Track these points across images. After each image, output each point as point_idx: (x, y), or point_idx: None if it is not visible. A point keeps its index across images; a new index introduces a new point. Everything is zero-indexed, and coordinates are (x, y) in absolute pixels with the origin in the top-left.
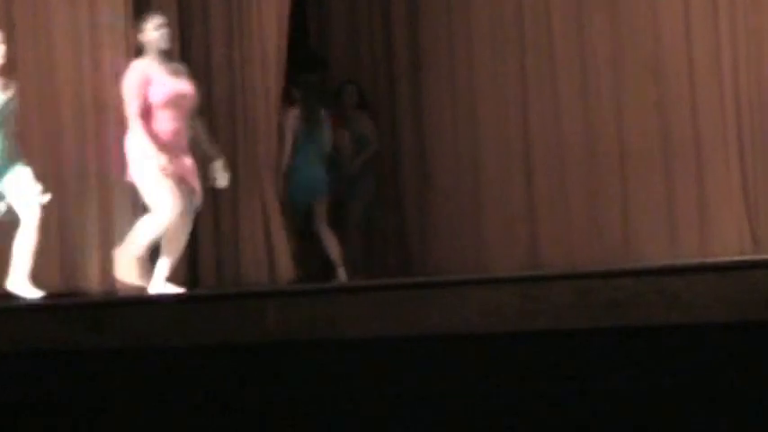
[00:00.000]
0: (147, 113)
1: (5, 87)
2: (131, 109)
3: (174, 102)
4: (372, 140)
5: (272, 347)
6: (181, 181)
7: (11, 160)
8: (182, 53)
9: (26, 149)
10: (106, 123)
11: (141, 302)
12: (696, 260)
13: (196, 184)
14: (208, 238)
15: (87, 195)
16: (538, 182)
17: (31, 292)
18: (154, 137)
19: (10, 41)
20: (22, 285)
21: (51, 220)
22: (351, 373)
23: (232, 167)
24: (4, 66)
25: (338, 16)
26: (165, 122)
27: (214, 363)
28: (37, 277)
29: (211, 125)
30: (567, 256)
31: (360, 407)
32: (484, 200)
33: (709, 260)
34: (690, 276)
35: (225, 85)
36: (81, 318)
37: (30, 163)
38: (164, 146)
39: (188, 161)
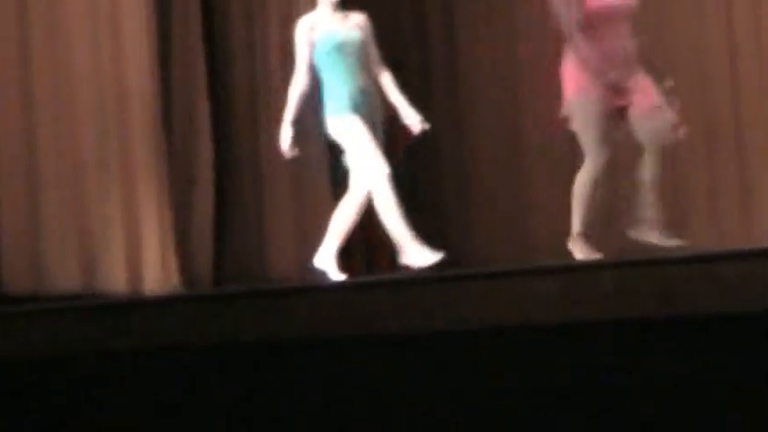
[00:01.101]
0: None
1: (345, 20)
2: (565, 25)
3: (614, 13)
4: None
5: (303, 345)
6: (633, 110)
7: (368, 99)
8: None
9: (42, 137)
10: (127, 110)
11: (167, 302)
12: (742, 245)
13: (657, 108)
14: (236, 230)
15: (110, 191)
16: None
17: (333, 272)
18: (591, 59)
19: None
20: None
21: (71, 217)
22: (390, 369)
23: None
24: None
25: None
26: (605, 41)
27: (245, 361)
28: (57, 278)
29: (233, 111)
30: (612, 243)
31: (399, 403)
32: (526, 187)
33: (761, 246)
34: (741, 263)
35: (247, 70)
36: (104, 319)
37: (46, 153)
38: (605, 70)
39: (641, 82)
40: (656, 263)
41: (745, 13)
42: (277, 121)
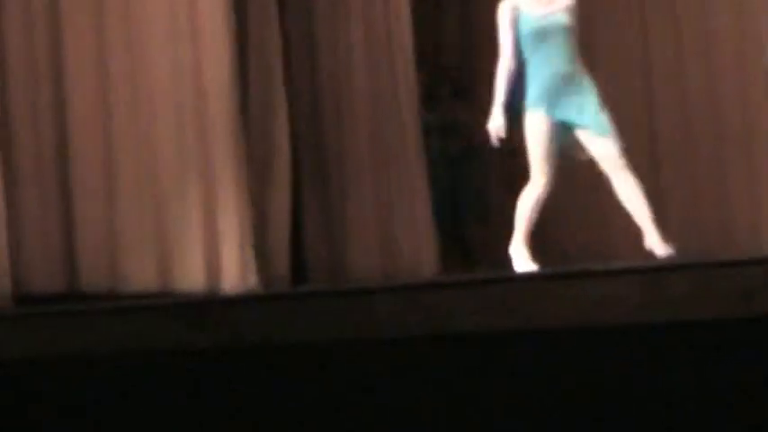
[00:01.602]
0: None
1: (549, 2)
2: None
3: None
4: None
5: (382, 344)
6: None
7: (573, 84)
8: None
9: (120, 135)
10: (206, 108)
11: (244, 300)
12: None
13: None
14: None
15: (187, 190)
16: (664, 166)
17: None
18: None
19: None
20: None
21: (149, 216)
22: (466, 368)
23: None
24: None
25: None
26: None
27: (322, 360)
28: (134, 277)
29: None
30: (695, 243)
31: (474, 402)
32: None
33: None
34: None
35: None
36: (183, 316)
37: (124, 151)
38: None
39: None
40: (734, 264)
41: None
42: (359, 116)
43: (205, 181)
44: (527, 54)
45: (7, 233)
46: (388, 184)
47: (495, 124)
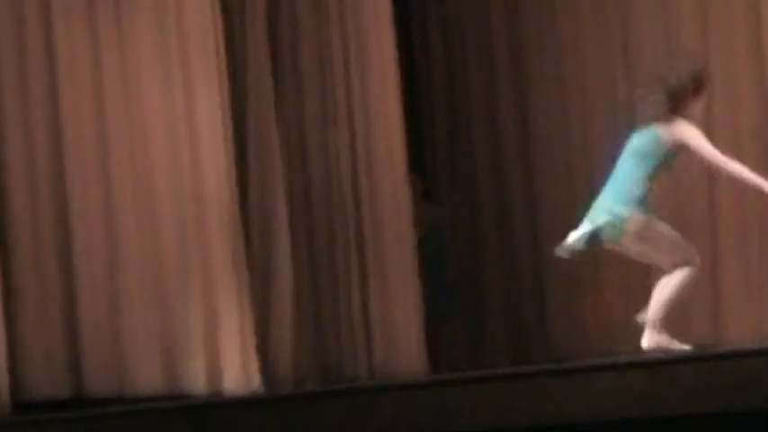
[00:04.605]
0: None
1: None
2: None
3: None
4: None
5: None
6: None
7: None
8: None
9: (122, 240)
10: (206, 210)
11: (245, 403)
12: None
13: None
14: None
15: (190, 292)
16: None
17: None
18: None
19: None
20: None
21: (154, 320)
22: None
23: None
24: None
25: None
26: None
27: None
28: (138, 380)
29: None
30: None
31: None
32: (603, 270)
33: None
34: None
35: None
36: (187, 419)
37: (127, 256)
38: None
39: None
40: (736, 356)
41: None
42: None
43: (207, 283)
44: None
45: (6, 338)
46: (386, 286)
47: None
